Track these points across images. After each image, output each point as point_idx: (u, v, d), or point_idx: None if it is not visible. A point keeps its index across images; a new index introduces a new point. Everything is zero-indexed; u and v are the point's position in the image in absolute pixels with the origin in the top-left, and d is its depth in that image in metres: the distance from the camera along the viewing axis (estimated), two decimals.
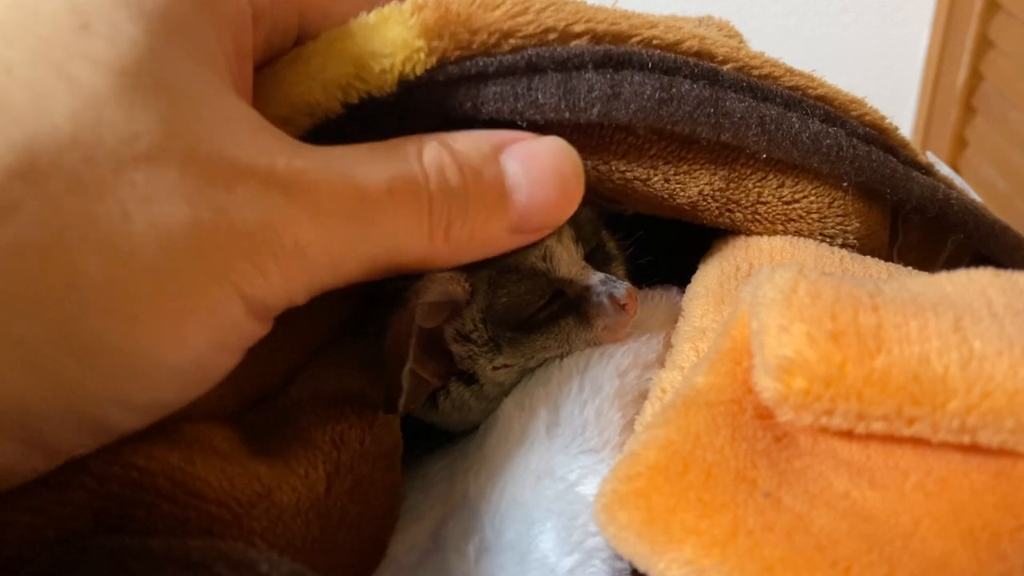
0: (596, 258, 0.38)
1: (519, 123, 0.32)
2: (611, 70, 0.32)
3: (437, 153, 0.30)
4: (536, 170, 0.32)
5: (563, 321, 0.36)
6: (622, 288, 0.35)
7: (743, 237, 0.39)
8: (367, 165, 0.28)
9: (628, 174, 0.36)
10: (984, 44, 1.36)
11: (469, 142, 0.31)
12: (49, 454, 0.24)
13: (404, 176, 0.29)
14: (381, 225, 0.28)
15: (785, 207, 0.37)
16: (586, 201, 0.37)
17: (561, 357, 0.36)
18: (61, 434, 0.24)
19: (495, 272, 0.35)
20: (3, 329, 0.22)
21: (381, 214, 0.28)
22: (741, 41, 0.47)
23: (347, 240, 0.28)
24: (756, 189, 0.37)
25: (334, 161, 0.28)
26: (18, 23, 0.23)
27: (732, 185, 0.37)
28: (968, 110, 1.43)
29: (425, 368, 0.35)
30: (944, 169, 0.48)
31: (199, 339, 0.25)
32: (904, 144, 0.39)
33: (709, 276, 0.36)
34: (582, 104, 0.32)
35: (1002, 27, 1.31)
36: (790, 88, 0.36)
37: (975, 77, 1.40)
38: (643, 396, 0.33)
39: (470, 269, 0.34)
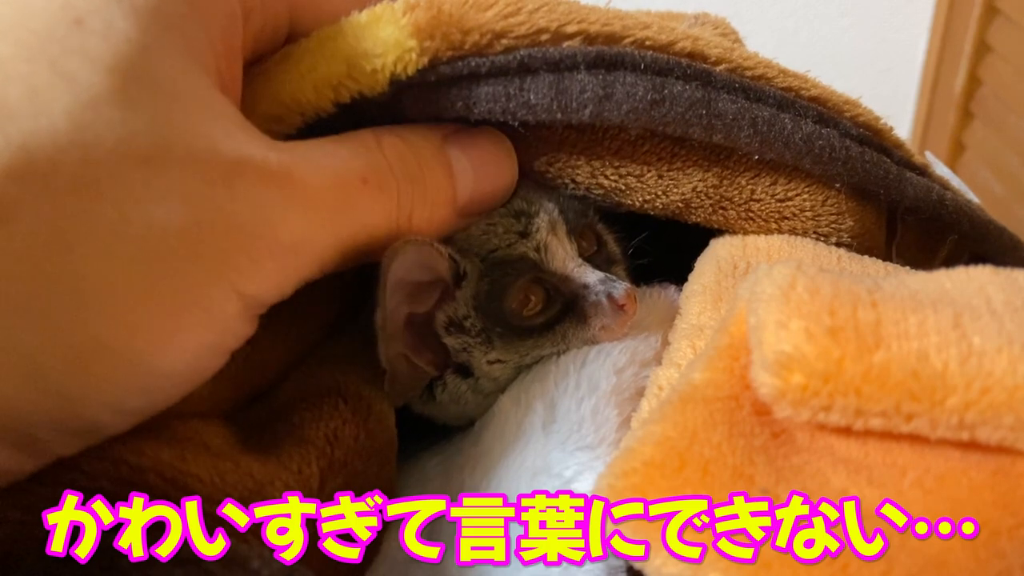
0: (598, 260, 0.38)
1: (511, 123, 0.32)
2: (603, 71, 0.32)
3: (395, 144, 0.31)
4: (478, 156, 0.33)
5: (559, 325, 0.36)
6: (621, 288, 0.35)
7: (740, 236, 0.39)
8: (340, 157, 0.29)
9: (622, 170, 0.36)
10: (982, 48, 1.36)
11: (419, 133, 0.32)
12: (37, 455, 0.24)
13: (374, 166, 0.30)
14: (357, 214, 0.29)
15: (779, 204, 0.37)
16: (577, 197, 0.37)
17: (558, 354, 0.36)
18: (52, 437, 0.24)
19: (485, 266, 0.35)
20: (1, 334, 0.21)
21: (359, 203, 0.29)
22: (736, 39, 0.47)
23: (329, 230, 0.28)
24: (749, 186, 0.37)
25: (312, 154, 0.28)
26: (9, 17, 0.23)
27: (726, 182, 0.37)
28: (966, 115, 1.43)
29: (421, 357, 0.35)
30: (942, 169, 0.48)
31: (195, 341, 0.25)
32: (899, 144, 0.39)
33: (706, 274, 0.36)
34: (574, 105, 0.32)
35: (1001, 32, 1.31)
36: (783, 89, 0.36)
37: (973, 81, 1.40)
38: (640, 393, 0.33)
39: (460, 253, 0.34)
